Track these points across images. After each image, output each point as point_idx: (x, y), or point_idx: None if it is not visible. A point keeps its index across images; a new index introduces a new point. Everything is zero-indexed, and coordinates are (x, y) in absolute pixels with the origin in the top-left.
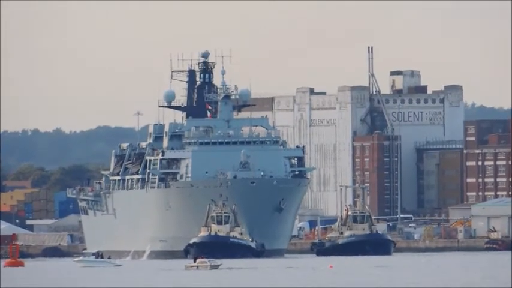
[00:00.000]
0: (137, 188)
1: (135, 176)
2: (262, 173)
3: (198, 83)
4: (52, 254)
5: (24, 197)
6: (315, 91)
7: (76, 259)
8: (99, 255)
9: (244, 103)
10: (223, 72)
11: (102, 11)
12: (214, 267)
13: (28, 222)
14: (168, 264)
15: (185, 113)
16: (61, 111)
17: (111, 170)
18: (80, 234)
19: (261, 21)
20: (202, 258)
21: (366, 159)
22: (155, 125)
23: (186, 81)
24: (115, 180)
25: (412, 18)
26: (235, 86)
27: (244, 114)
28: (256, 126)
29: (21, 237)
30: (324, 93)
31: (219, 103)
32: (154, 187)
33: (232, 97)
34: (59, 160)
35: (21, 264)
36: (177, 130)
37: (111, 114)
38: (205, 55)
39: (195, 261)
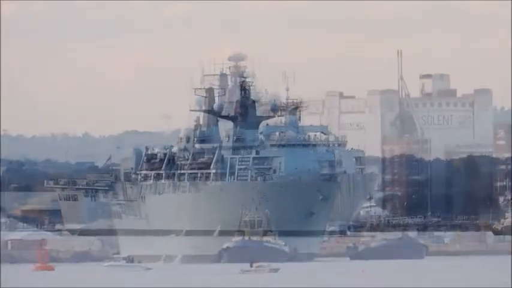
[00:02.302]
0: (168, 192)
1: (167, 181)
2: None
3: (229, 87)
4: (82, 259)
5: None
6: (344, 95)
7: (106, 264)
8: (129, 259)
9: (274, 107)
10: (253, 76)
11: (127, 14)
12: (274, 270)
13: (57, 226)
14: (218, 268)
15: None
16: (90, 116)
17: (143, 174)
18: (109, 238)
19: (290, 25)
20: (257, 262)
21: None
22: (186, 129)
23: (218, 85)
24: (147, 184)
25: (440, 21)
26: (266, 90)
27: (275, 119)
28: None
29: (50, 241)
30: (353, 97)
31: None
32: (185, 191)
33: (263, 101)
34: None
35: (51, 268)
36: (207, 134)
37: (139, 119)
38: (242, 57)
39: (251, 266)
